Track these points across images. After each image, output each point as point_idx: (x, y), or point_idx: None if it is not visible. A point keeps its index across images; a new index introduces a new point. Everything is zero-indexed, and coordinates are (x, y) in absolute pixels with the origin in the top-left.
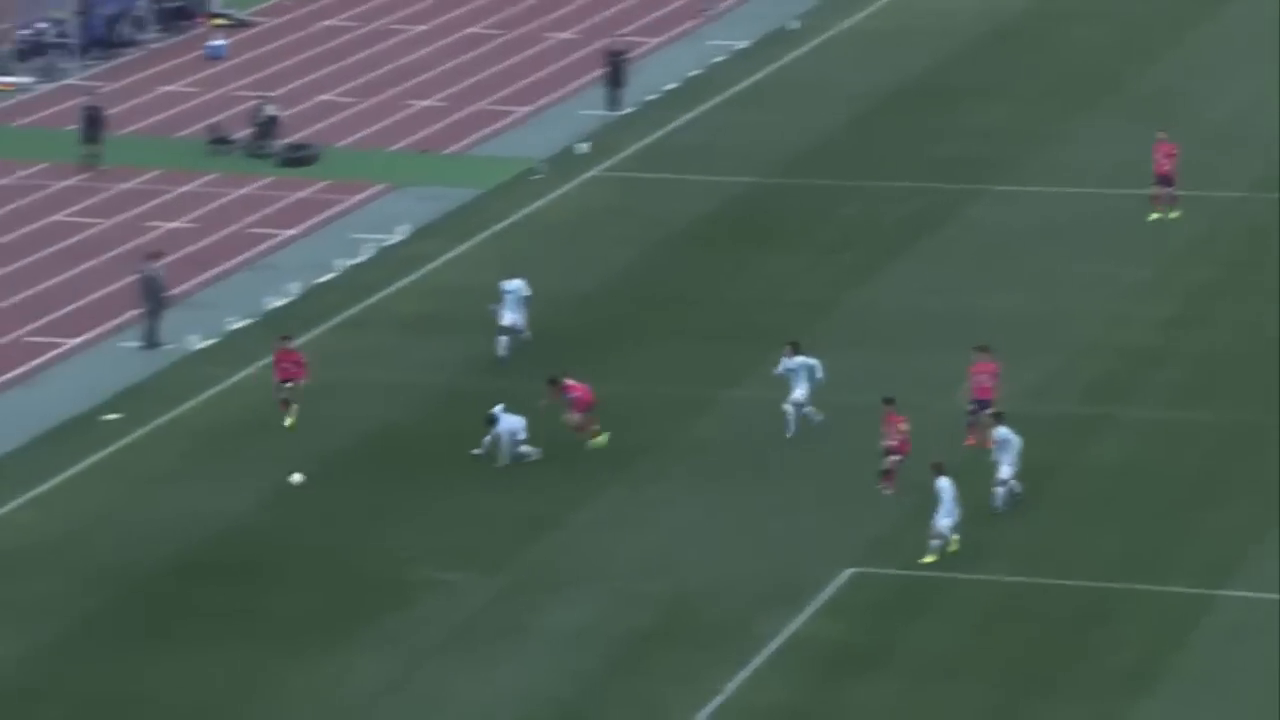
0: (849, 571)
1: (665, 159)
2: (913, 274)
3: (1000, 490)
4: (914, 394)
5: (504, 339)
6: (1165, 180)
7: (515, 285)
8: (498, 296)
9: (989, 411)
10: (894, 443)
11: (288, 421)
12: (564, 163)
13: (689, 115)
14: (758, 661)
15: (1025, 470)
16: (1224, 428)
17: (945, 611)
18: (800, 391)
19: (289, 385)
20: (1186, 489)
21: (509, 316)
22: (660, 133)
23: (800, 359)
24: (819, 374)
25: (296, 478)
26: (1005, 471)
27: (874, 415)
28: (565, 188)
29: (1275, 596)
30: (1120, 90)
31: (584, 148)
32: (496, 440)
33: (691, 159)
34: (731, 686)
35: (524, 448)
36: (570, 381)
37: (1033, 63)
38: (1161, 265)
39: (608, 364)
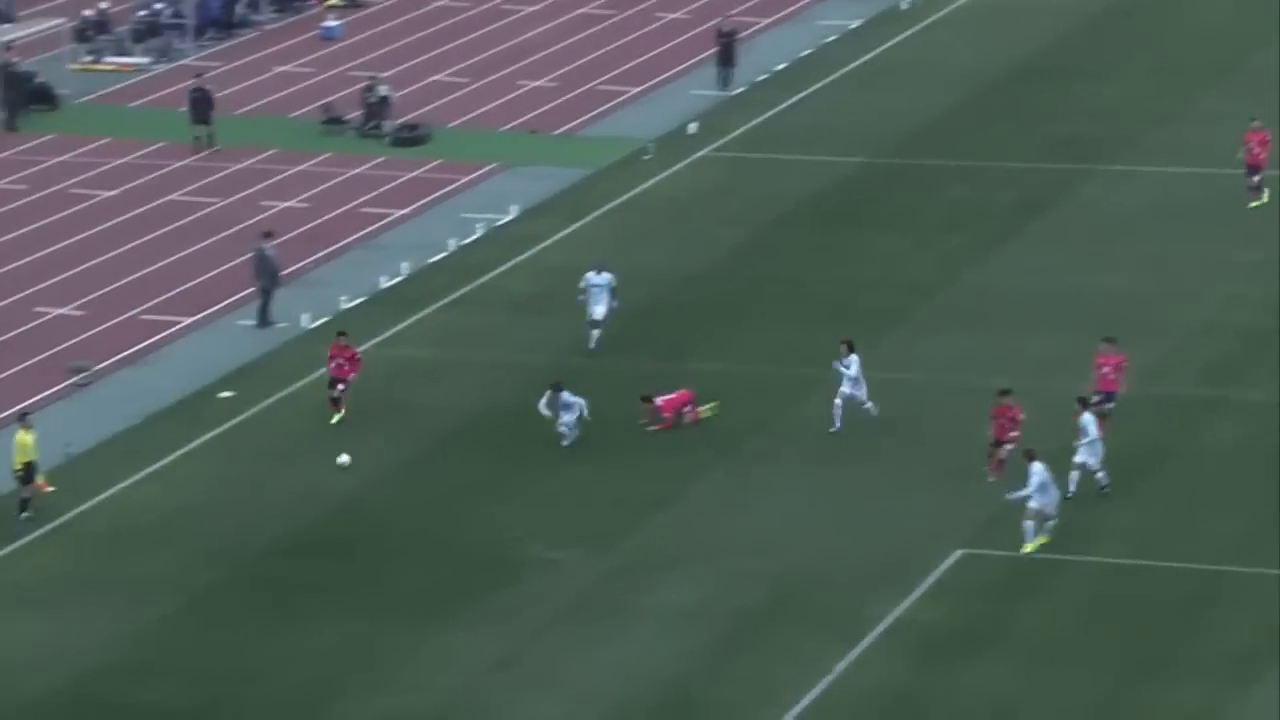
0: (958, 553)
1: (775, 139)
2: (1024, 255)
3: (1075, 474)
4: (1025, 376)
5: (596, 332)
6: (1256, 169)
7: (605, 279)
8: (584, 287)
9: (1110, 406)
10: (1005, 435)
11: (335, 419)
12: (674, 143)
13: (799, 95)
14: (866, 642)
15: (1140, 452)
16: None
17: (1056, 593)
18: (851, 388)
19: (340, 386)
20: None
21: (598, 310)
22: (770, 113)
23: (854, 358)
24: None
25: (343, 459)
26: (1080, 456)
27: (983, 397)
28: (675, 168)
29: None
30: (1235, 70)
31: (694, 128)
32: (573, 411)
33: (801, 139)
34: (840, 667)
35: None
36: (660, 400)
37: (1146, 42)
38: (1277, 245)
39: (716, 343)
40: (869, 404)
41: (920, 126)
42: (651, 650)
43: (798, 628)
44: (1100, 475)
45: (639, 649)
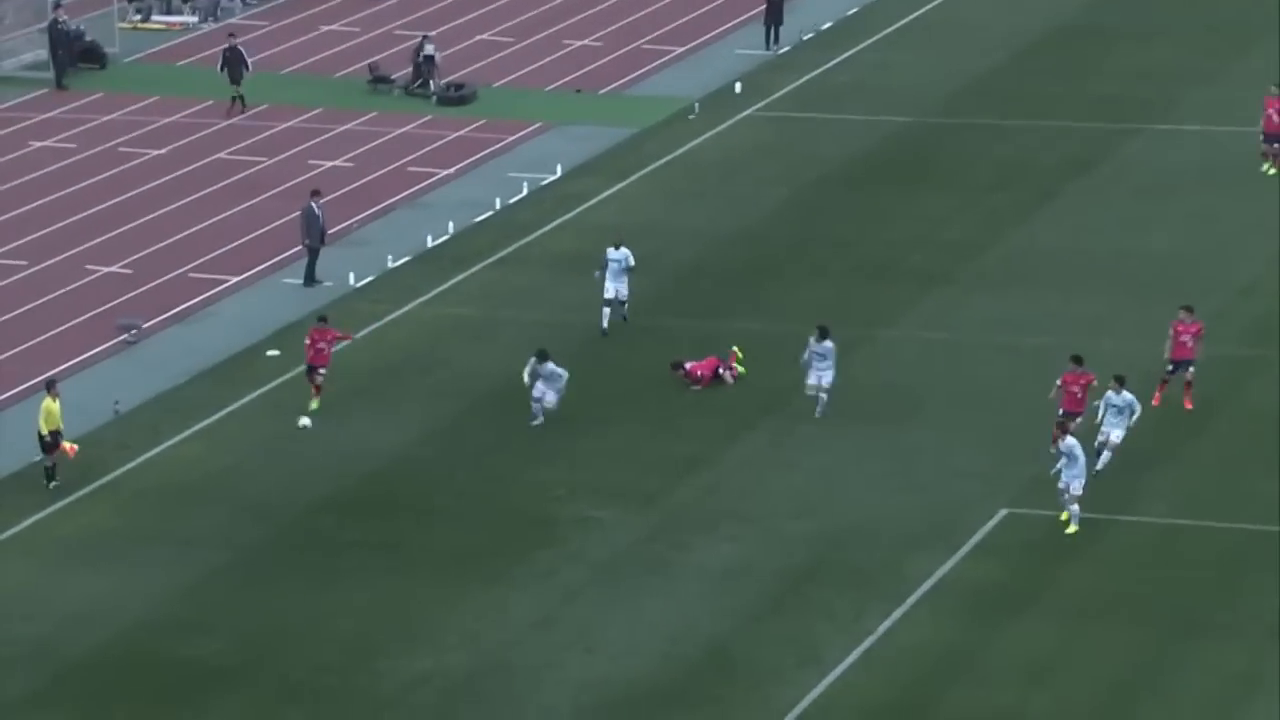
0: (1003, 512)
1: (820, 98)
2: (1068, 214)
3: (1107, 454)
4: (1068, 336)
5: (607, 310)
6: (1275, 137)
7: (621, 255)
8: (604, 262)
9: (1191, 372)
10: (1075, 407)
11: (314, 405)
12: (719, 102)
13: (844, 54)
14: (910, 601)
15: (1182, 412)
16: None
17: (1099, 552)
18: (826, 377)
19: (322, 372)
20: None
21: (612, 287)
22: (815, 72)
23: (829, 344)
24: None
25: (304, 421)
26: (1115, 435)
27: (1027, 357)
28: (720, 127)
29: None
30: (1273, 28)
31: (739, 87)
32: (555, 384)
33: (846, 99)
34: (883, 626)
35: (549, 396)
36: (690, 364)
37: (1191, 1)
38: None
39: (761, 302)
40: (823, 396)
41: (965, 86)
42: (692, 610)
43: (839, 587)
44: (1109, 453)
45: (679, 608)
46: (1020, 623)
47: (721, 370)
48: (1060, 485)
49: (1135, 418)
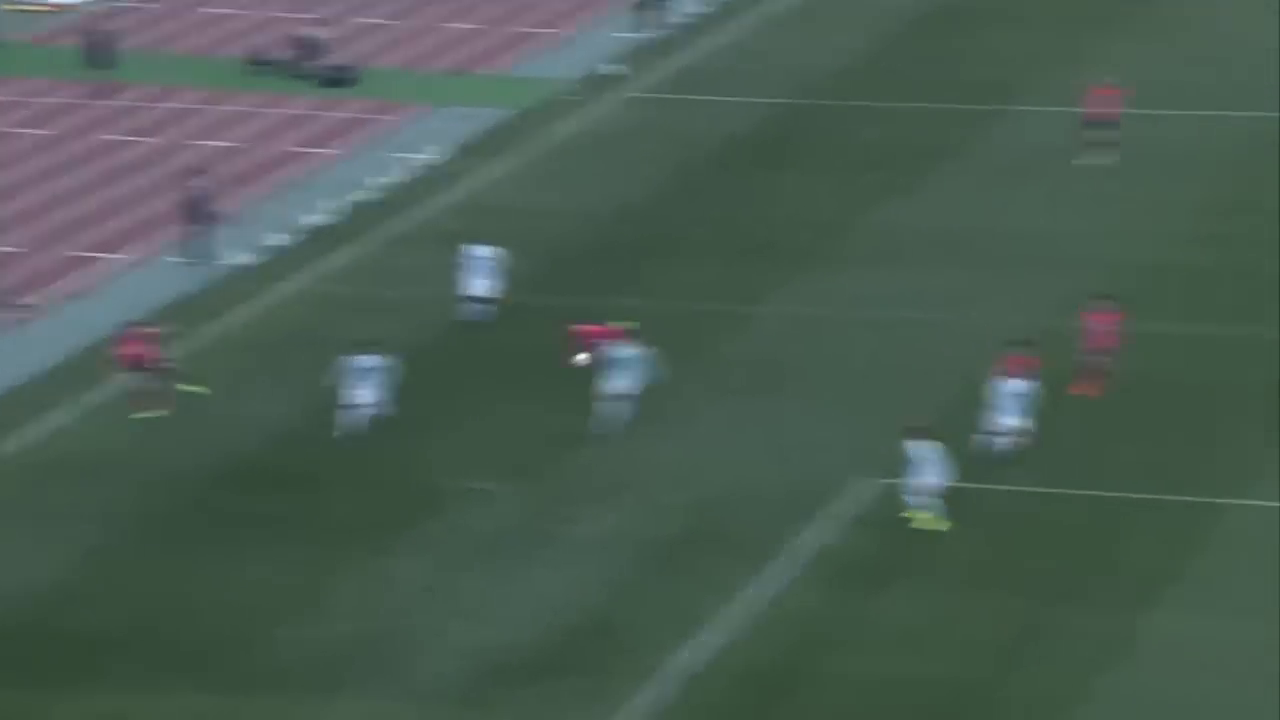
0: (875, 481)
1: (698, 80)
2: (935, 194)
3: (1003, 439)
4: (935, 313)
5: (475, 307)
6: (1106, 125)
7: (487, 252)
8: (461, 260)
9: (1107, 360)
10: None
11: (200, 389)
12: (599, 83)
13: (722, 38)
14: (785, 571)
15: (1047, 385)
16: (1238, 341)
17: (970, 521)
18: (624, 382)
19: (168, 367)
20: (1203, 400)
21: (479, 284)
22: (693, 55)
23: (635, 350)
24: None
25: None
26: (1007, 422)
27: (895, 330)
28: (600, 108)
29: None
30: (1141, 12)
31: (617, 69)
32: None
33: (721, 81)
34: (757, 594)
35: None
36: (583, 328)
37: None
38: (1178, 183)
39: (636, 281)
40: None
41: (835, 69)
42: (574, 579)
43: (716, 556)
44: (1003, 439)
45: (562, 578)
46: (894, 591)
47: (599, 344)
48: (917, 484)
49: (1030, 403)
